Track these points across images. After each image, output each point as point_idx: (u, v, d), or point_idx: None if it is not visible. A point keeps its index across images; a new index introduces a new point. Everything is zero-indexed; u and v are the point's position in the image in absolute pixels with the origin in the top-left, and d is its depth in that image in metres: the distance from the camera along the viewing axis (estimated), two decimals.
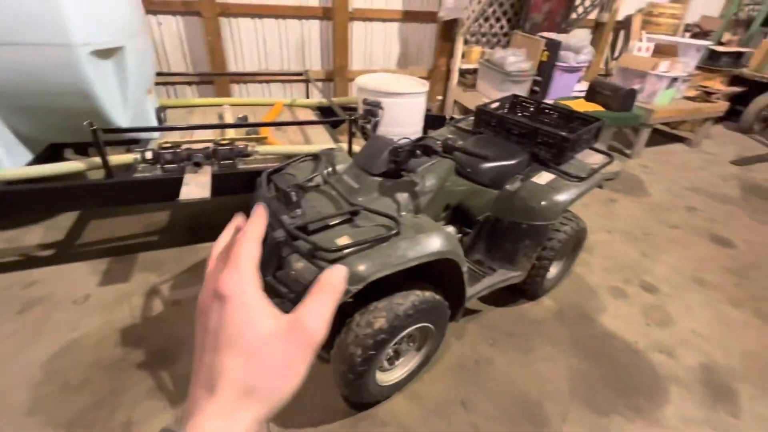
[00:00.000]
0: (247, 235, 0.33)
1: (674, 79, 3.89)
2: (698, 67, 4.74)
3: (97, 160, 1.78)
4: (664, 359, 1.78)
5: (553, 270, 2.07)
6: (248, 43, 3.47)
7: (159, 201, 1.90)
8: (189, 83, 3.46)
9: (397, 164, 1.41)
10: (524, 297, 2.06)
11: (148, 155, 1.84)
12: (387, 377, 1.49)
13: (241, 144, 2.02)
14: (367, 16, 3.69)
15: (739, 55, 4.62)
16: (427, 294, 1.35)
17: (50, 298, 1.87)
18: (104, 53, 1.76)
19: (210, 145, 1.97)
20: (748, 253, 2.59)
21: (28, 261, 2.09)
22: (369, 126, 2.13)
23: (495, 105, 2.22)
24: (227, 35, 3.36)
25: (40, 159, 1.99)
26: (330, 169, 1.58)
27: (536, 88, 3.81)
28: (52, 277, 2.00)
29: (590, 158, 3.60)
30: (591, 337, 1.87)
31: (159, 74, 2.95)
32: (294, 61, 3.69)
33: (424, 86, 2.77)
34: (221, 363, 0.29)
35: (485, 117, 2.06)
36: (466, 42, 4.07)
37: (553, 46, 3.57)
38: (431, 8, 3.88)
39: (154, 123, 2.27)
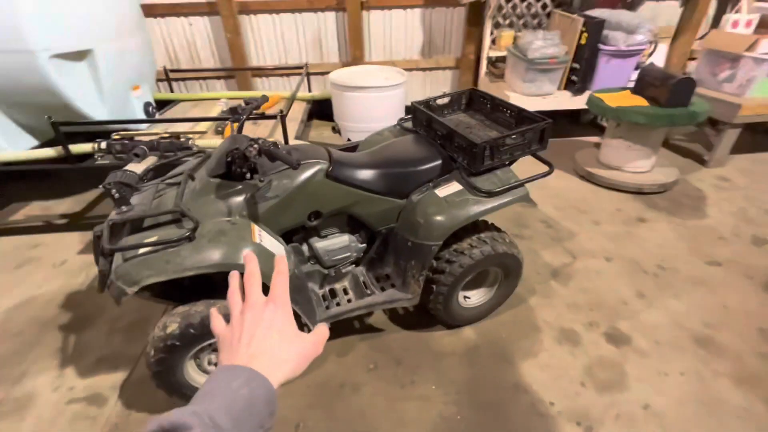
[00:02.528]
0: (282, 273, 0.53)
1: None
2: None
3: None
4: None
5: (475, 297, 1.76)
6: (267, 38, 3.63)
7: None
8: (217, 77, 3.79)
9: (236, 166, 1.35)
10: (442, 324, 1.80)
11: (103, 145, 2.10)
12: None
13: (183, 138, 2.16)
14: (384, 3, 3.52)
15: None
16: None
17: (40, 259, 2.29)
18: (70, 56, 2.05)
19: (156, 138, 2.15)
20: None
21: (46, 227, 2.58)
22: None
23: (445, 100, 1.94)
24: (248, 32, 3.57)
25: (47, 145, 2.43)
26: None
27: (574, 78, 3.19)
28: (52, 242, 2.43)
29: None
30: (494, 386, 1.54)
31: (173, 71, 3.31)
32: (312, 55, 3.75)
33: (400, 78, 2.56)
34: (270, 338, 0.46)
35: (419, 115, 1.82)
36: (497, 26, 3.61)
37: (594, 26, 2.94)
38: None
39: (140, 117, 2.56)
